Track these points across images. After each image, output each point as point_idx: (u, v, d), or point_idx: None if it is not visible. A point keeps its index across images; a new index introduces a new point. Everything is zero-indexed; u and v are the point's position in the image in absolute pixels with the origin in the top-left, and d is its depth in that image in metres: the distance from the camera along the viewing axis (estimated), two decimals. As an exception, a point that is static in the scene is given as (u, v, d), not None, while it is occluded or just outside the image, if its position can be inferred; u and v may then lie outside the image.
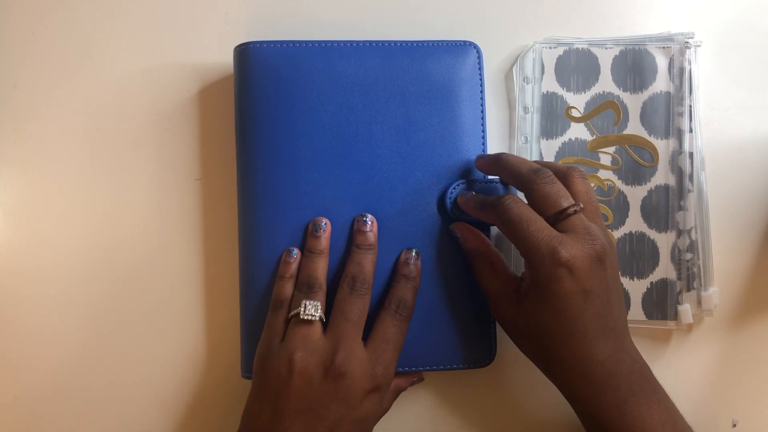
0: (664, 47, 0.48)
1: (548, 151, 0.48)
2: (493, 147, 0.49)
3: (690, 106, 0.48)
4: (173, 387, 0.47)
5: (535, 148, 0.48)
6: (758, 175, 0.49)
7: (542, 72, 0.48)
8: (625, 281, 0.47)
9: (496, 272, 0.42)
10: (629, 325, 0.46)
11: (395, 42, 0.46)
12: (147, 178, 0.48)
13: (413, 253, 0.44)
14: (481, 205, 0.42)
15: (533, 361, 0.41)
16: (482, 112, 0.46)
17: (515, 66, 0.49)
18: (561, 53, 0.48)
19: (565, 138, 0.48)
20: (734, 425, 0.47)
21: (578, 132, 0.48)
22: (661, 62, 0.48)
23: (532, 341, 0.40)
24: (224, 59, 0.48)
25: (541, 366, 0.41)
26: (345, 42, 0.46)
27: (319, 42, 0.46)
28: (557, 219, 0.39)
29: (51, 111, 0.49)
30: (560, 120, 0.48)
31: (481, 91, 0.46)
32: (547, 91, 0.48)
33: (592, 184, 0.48)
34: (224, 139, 0.48)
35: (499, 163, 0.43)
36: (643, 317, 0.47)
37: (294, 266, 0.43)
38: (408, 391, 0.46)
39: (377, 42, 0.46)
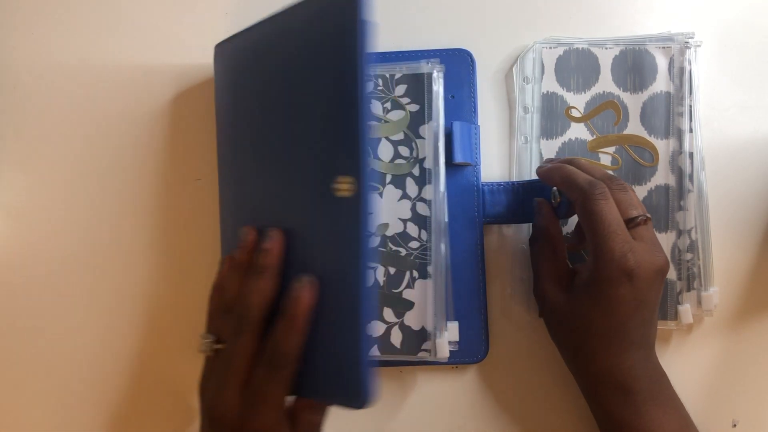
0: (664, 47, 0.48)
1: (548, 151, 0.48)
2: (495, 146, 0.49)
3: (690, 106, 0.47)
4: (183, 390, 0.47)
5: (535, 148, 0.48)
6: (758, 175, 0.49)
7: (542, 72, 0.48)
8: (625, 281, 0.47)
9: (555, 255, 0.43)
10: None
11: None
12: (147, 177, 0.48)
13: (302, 284, 0.35)
14: (568, 180, 0.41)
15: (561, 348, 0.43)
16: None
17: (515, 66, 0.49)
18: (561, 53, 0.48)
19: (565, 138, 0.48)
20: (734, 425, 0.47)
21: (578, 132, 0.48)
22: (661, 62, 0.48)
23: (572, 331, 0.41)
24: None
25: (568, 356, 0.42)
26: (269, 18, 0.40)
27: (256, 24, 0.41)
28: (626, 227, 0.40)
29: (51, 111, 0.49)
30: (560, 120, 0.48)
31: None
32: (547, 91, 0.48)
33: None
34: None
35: (572, 163, 0.43)
36: (643, 317, 0.47)
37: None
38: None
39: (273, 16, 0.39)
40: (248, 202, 0.40)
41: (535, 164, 0.48)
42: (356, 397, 0.33)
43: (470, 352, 0.46)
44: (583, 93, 0.48)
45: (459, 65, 0.48)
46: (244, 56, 0.42)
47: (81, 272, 0.48)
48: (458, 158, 0.46)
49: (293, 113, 0.37)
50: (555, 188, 0.45)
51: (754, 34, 0.50)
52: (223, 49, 0.45)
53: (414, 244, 0.45)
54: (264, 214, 0.38)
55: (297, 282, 0.35)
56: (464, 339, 0.45)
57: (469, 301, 0.46)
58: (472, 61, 0.48)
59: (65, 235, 0.48)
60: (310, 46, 0.36)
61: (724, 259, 0.48)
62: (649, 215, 0.41)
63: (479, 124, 0.48)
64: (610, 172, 0.43)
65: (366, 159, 0.34)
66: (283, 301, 0.35)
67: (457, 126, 0.46)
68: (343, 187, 0.34)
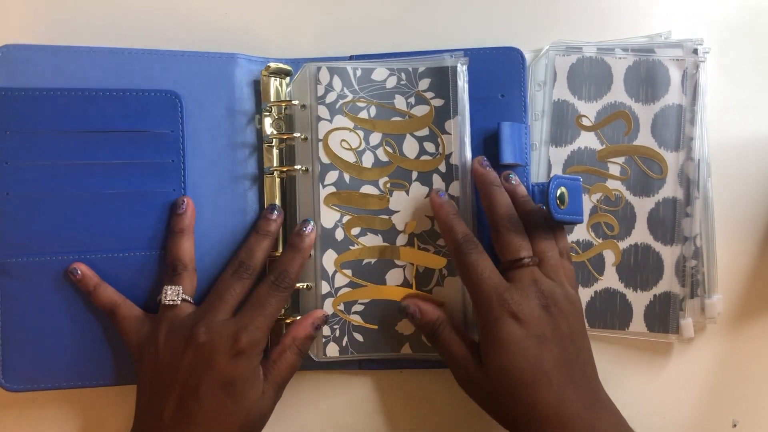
0: (677, 59, 0.47)
1: (557, 159, 0.48)
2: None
3: (699, 113, 0.47)
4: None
5: (543, 154, 0.48)
6: (759, 176, 0.49)
7: (554, 79, 0.48)
8: (628, 293, 0.47)
9: (460, 335, 0.43)
10: (630, 337, 0.47)
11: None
12: None
13: (309, 226, 0.44)
14: (445, 228, 0.43)
15: (505, 423, 0.40)
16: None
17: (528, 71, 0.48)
18: (574, 61, 0.48)
19: (574, 146, 0.48)
20: (734, 425, 0.48)
21: (588, 141, 0.48)
22: (675, 75, 0.47)
23: (500, 394, 0.39)
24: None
25: (513, 426, 0.40)
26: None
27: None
28: (511, 266, 0.42)
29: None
30: (570, 128, 0.48)
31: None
32: (558, 99, 0.48)
33: (600, 194, 0.48)
34: None
35: (487, 189, 0.44)
36: (644, 329, 0.47)
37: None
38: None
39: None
40: None
41: (543, 170, 0.48)
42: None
43: None
44: (594, 102, 0.48)
45: (509, 64, 0.47)
46: None
47: None
48: (507, 159, 0.45)
49: None
50: (561, 190, 0.45)
51: (754, 34, 0.50)
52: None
53: (442, 242, 0.45)
54: None
55: (305, 223, 0.45)
56: None
57: None
58: (523, 59, 0.47)
59: None
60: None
61: (726, 265, 0.48)
62: (537, 259, 0.42)
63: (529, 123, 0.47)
64: (511, 212, 0.43)
65: None
66: (291, 237, 0.44)
67: (506, 126, 0.46)
68: None
